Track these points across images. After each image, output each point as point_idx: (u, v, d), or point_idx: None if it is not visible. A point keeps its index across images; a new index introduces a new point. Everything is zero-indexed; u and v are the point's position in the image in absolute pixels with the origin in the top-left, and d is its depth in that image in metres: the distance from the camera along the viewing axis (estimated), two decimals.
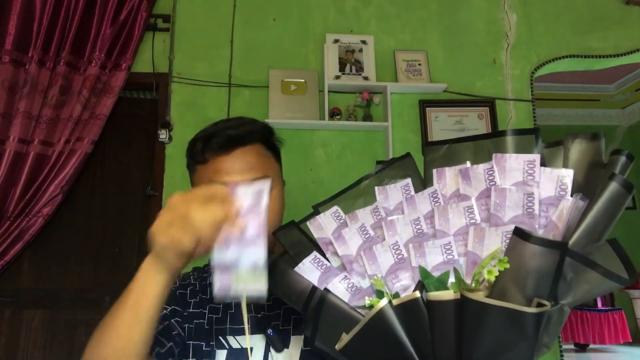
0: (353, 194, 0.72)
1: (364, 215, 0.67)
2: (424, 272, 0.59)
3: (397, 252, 0.61)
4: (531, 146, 0.62)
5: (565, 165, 0.61)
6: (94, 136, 2.18)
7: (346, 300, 0.60)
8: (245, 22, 2.49)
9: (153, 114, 2.36)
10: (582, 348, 5.25)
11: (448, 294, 0.51)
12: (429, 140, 2.42)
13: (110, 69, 2.24)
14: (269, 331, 0.79)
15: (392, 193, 0.69)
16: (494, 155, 0.61)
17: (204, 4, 2.49)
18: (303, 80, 2.40)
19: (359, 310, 0.57)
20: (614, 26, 2.67)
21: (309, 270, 0.64)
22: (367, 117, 2.39)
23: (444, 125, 2.45)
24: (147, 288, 0.62)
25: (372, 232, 0.65)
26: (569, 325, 5.16)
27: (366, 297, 0.57)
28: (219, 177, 0.79)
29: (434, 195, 0.65)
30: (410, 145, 2.42)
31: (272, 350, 0.79)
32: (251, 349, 0.79)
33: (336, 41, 2.47)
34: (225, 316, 0.82)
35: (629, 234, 5.47)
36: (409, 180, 0.69)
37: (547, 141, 0.63)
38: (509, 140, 0.63)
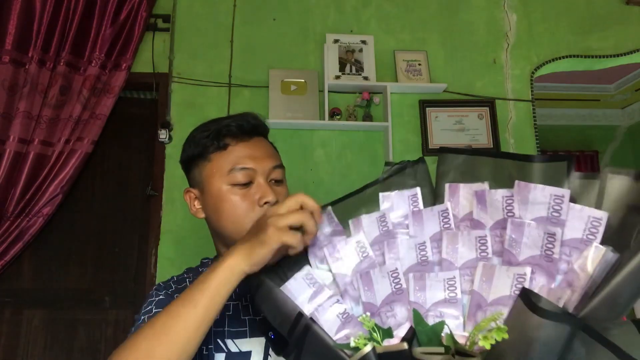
0: (356, 202, 0.67)
1: (369, 222, 0.62)
2: (417, 318, 0.53)
3: (395, 281, 0.56)
4: (561, 176, 0.53)
5: (599, 203, 0.51)
6: (94, 136, 2.18)
7: (336, 328, 0.56)
8: (245, 22, 2.49)
9: (153, 114, 2.36)
10: None
11: (437, 355, 0.46)
12: (429, 141, 2.42)
13: (110, 69, 2.24)
14: (270, 334, 0.76)
15: (398, 202, 0.63)
16: (516, 182, 0.53)
17: (204, 4, 2.49)
18: (303, 80, 2.40)
19: (344, 350, 0.52)
20: (614, 26, 2.66)
21: (299, 287, 0.59)
22: (367, 117, 2.39)
23: (444, 125, 2.45)
24: (223, 290, 0.59)
25: (371, 252, 0.60)
26: None
27: (352, 338, 0.52)
28: (243, 163, 0.78)
29: (444, 215, 0.59)
30: (410, 145, 2.43)
31: (271, 353, 0.76)
32: (250, 352, 0.77)
33: (336, 41, 2.47)
34: (223, 318, 0.79)
35: None
36: (417, 190, 0.62)
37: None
38: (536, 167, 0.55)
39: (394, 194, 0.63)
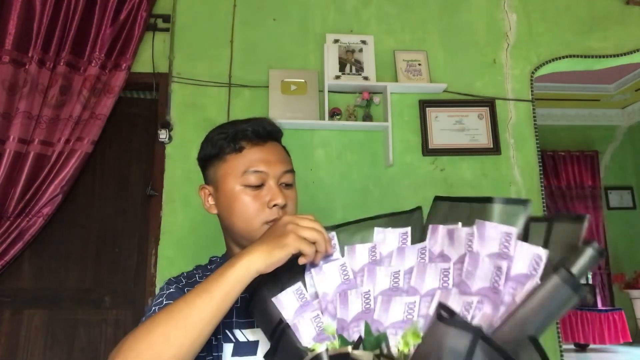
0: (355, 229, 0.72)
1: (362, 251, 0.68)
2: (367, 329, 0.60)
3: (366, 301, 0.62)
4: (518, 216, 0.58)
5: (546, 242, 0.56)
6: (94, 136, 2.18)
7: (312, 338, 0.63)
8: (245, 22, 2.49)
9: (153, 114, 2.36)
10: (582, 348, 5.24)
11: (365, 356, 0.55)
12: (429, 141, 2.42)
13: (110, 69, 2.25)
14: None
15: (390, 237, 0.69)
16: (476, 221, 0.59)
17: (204, 4, 2.49)
18: (303, 80, 2.40)
19: (306, 350, 0.61)
20: (614, 26, 2.67)
21: (289, 299, 0.65)
22: (367, 117, 2.39)
23: (444, 125, 2.45)
24: (238, 285, 0.64)
25: (352, 276, 0.66)
26: (569, 325, 5.16)
27: (312, 343, 0.60)
28: (256, 166, 0.82)
29: (422, 252, 0.66)
30: (410, 145, 2.43)
31: None
32: (257, 341, 0.81)
33: (336, 41, 2.47)
34: (232, 310, 0.83)
35: (629, 234, 5.47)
36: (408, 230, 0.69)
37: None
38: (495, 208, 0.60)
39: (387, 229, 0.70)
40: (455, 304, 0.55)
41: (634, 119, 5.74)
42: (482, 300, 0.54)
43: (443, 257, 0.64)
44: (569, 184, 5.70)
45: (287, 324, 0.63)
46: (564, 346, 2.34)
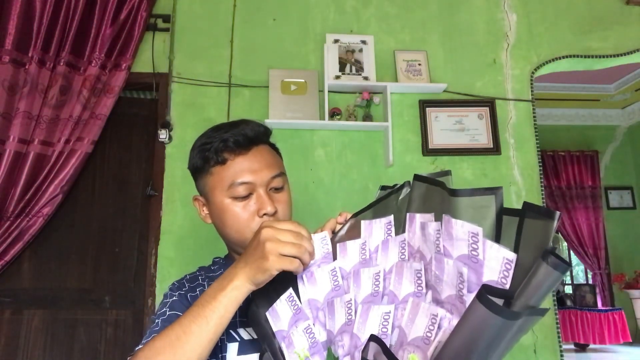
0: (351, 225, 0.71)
1: (353, 249, 0.65)
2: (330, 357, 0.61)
3: (348, 312, 0.59)
4: (490, 208, 0.51)
5: (517, 240, 0.49)
6: (94, 136, 2.18)
7: (306, 349, 0.63)
8: (245, 22, 2.49)
9: (153, 114, 2.36)
10: (582, 348, 5.25)
11: None
12: (429, 141, 2.42)
13: (110, 69, 2.24)
14: None
15: (376, 231, 0.66)
16: (443, 216, 0.52)
17: (204, 4, 2.49)
18: (303, 80, 2.40)
19: None
20: (614, 26, 2.67)
21: (283, 308, 0.64)
22: (367, 117, 2.39)
23: (444, 125, 2.45)
24: (231, 307, 0.65)
25: (341, 281, 0.64)
26: (569, 325, 5.17)
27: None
28: (241, 177, 0.81)
29: (402, 245, 0.61)
30: (410, 145, 2.43)
31: None
32: None
33: (336, 41, 2.47)
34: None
35: (629, 234, 5.47)
36: (391, 218, 0.65)
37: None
38: (462, 202, 0.53)
39: (374, 221, 0.66)
40: (423, 316, 0.50)
41: (634, 119, 5.75)
42: (452, 312, 0.49)
43: (419, 253, 0.58)
44: (569, 184, 5.70)
45: (264, 348, 0.64)
46: (564, 346, 2.34)
